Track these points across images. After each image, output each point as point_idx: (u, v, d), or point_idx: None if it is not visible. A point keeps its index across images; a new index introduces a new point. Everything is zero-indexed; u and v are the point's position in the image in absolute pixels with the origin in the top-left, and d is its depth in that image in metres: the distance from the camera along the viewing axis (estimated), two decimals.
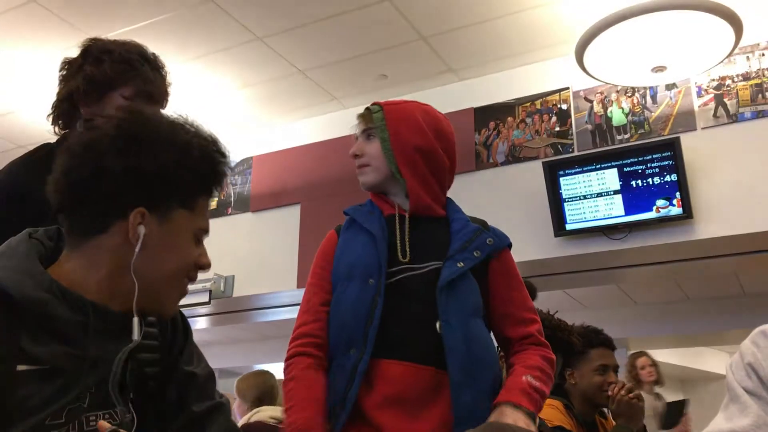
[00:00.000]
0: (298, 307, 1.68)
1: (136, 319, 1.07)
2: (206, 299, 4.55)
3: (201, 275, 1.19)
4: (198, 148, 1.12)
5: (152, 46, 1.86)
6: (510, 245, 1.66)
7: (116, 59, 1.79)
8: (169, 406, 1.21)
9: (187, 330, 1.29)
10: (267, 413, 2.88)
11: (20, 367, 0.98)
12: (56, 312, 1.02)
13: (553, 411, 2.33)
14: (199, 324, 5.38)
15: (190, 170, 1.10)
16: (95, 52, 1.80)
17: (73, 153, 1.08)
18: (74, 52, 1.82)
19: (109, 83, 1.77)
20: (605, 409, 2.60)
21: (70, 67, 1.82)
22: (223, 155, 1.16)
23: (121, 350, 1.08)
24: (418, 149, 1.62)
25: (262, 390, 3.32)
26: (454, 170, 1.72)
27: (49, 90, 1.85)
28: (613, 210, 3.62)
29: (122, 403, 1.07)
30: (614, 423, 2.47)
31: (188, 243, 1.12)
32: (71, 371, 1.02)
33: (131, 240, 1.06)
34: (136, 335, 1.07)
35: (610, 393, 2.41)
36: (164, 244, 1.09)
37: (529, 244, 3.74)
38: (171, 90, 1.86)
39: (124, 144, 1.07)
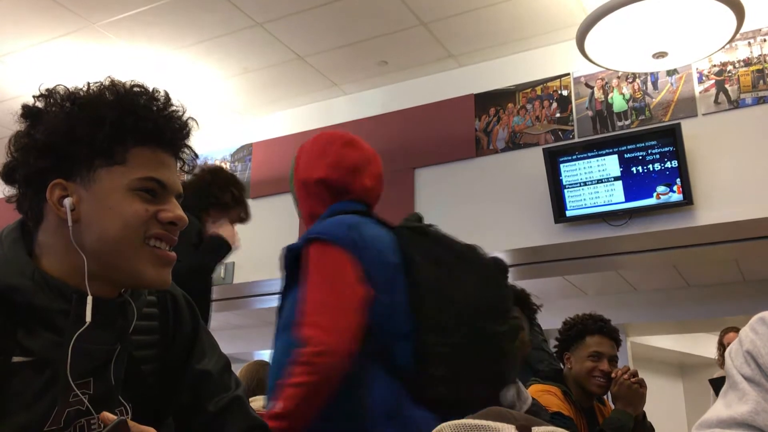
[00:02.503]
0: None
1: (89, 298, 0.99)
2: None
3: None
4: (107, 100, 1.02)
5: (151, 32, 1.86)
6: (311, 240, 1.62)
7: (240, 188, 2.83)
8: (183, 408, 1.15)
9: (195, 319, 1.22)
10: (260, 403, 2.90)
11: (15, 359, 0.97)
12: (38, 300, 0.99)
13: (551, 397, 2.34)
14: None
15: (99, 123, 1.00)
16: (229, 177, 2.86)
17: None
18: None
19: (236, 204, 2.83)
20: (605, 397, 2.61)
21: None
22: (147, 98, 1.03)
23: (111, 338, 1.05)
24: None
25: (248, 381, 3.34)
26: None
27: (48, 75, 1.84)
28: (614, 196, 3.61)
29: (79, 388, 1.00)
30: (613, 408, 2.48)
31: (126, 200, 1.01)
32: (58, 362, 0.98)
33: (61, 215, 1.00)
34: (88, 317, 0.98)
35: (613, 375, 2.41)
36: (99, 209, 1.01)
37: (530, 230, 3.73)
38: (170, 77, 1.88)
39: (21, 128, 1.04)
